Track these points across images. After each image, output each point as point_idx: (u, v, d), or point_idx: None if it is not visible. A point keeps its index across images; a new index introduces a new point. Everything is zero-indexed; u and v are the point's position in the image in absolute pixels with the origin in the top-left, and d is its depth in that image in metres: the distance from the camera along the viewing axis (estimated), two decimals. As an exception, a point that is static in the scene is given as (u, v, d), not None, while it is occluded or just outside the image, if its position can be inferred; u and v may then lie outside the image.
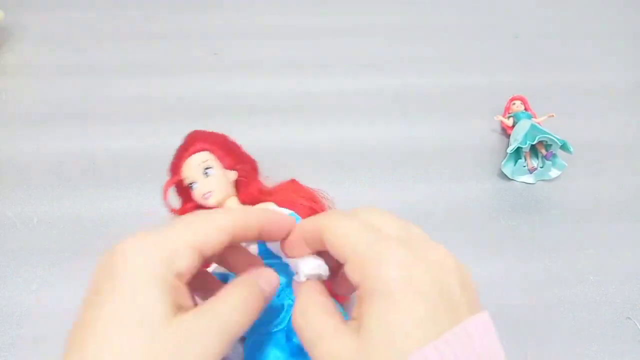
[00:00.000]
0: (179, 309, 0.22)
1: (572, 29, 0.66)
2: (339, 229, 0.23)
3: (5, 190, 0.46)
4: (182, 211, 0.38)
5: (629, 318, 0.39)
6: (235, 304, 0.23)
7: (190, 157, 0.37)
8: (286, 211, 0.36)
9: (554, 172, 0.48)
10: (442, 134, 0.52)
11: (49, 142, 0.50)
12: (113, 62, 0.58)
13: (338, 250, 0.23)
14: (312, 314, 0.24)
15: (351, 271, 0.22)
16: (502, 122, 0.52)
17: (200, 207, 0.38)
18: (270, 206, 0.37)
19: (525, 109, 0.51)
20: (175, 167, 0.38)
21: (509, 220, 0.45)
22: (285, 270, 0.31)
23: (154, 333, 0.20)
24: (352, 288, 0.23)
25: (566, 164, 0.48)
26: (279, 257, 0.30)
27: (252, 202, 0.38)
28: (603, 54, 0.62)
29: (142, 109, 0.53)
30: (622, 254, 0.43)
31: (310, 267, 0.27)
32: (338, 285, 0.27)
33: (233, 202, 0.37)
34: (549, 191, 0.48)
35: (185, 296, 0.22)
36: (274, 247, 0.31)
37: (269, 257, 0.31)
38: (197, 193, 0.36)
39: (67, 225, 0.43)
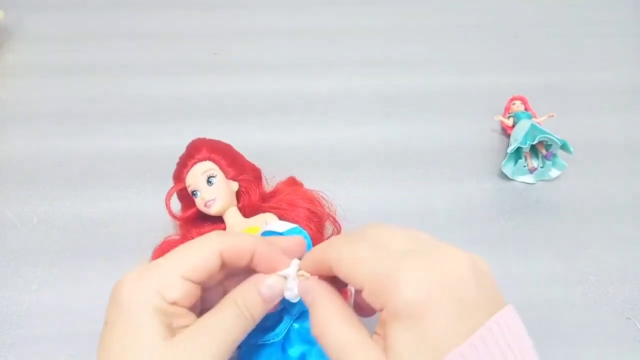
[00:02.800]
0: (179, 329, 0.24)
1: (572, 29, 0.66)
2: (349, 260, 0.24)
3: (5, 190, 0.46)
4: (184, 218, 0.38)
5: (629, 318, 0.39)
6: (231, 315, 0.25)
7: (194, 165, 0.37)
8: (287, 225, 0.36)
9: (554, 172, 0.48)
10: (442, 134, 0.52)
11: (49, 142, 0.50)
12: (113, 62, 0.58)
13: (353, 280, 0.23)
14: (338, 324, 0.24)
15: (370, 297, 0.22)
16: (502, 122, 0.52)
17: (201, 214, 0.38)
18: (271, 218, 0.37)
19: (525, 109, 0.51)
20: (179, 175, 0.38)
21: (509, 220, 0.45)
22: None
23: (151, 356, 0.23)
24: (372, 311, 0.24)
25: (566, 164, 0.48)
26: None
27: (253, 209, 0.39)
28: (603, 54, 0.62)
29: (142, 109, 0.53)
30: (622, 254, 0.43)
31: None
32: (358, 308, 0.27)
33: (233, 211, 0.38)
34: (549, 191, 0.48)
35: (187, 319, 0.25)
36: None
37: None
38: (199, 201, 0.37)
39: (67, 225, 0.43)
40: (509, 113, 0.52)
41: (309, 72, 0.58)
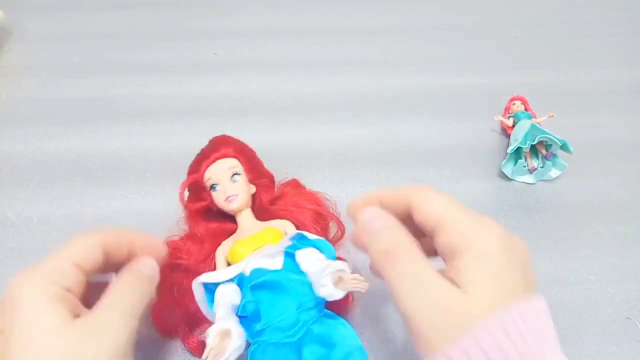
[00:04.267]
0: (77, 317, 0.25)
1: (572, 29, 0.66)
2: (434, 200, 0.27)
3: (5, 190, 0.46)
4: (196, 208, 0.38)
5: (629, 318, 0.39)
6: (126, 290, 0.27)
7: (220, 160, 0.38)
8: (314, 235, 0.35)
9: (554, 172, 0.48)
10: (442, 134, 0.52)
11: (49, 142, 0.50)
12: (112, 63, 0.58)
13: (433, 217, 0.26)
14: (406, 254, 0.25)
15: (450, 235, 0.25)
16: (502, 122, 0.52)
17: (209, 211, 0.38)
18: (289, 226, 0.37)
19: (525, 109, 0.51)
20: (198, 166, 0.38)
21: (509, 220, 0.45)
22: (306, 285, 0.33)
23: (58, 336, 0.23)
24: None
25: (566, 164, 0.48)
26: (302, 274, 0.33)
27: (264, 213, 0.39)
28: (603, 54, 0.62)
29: (142, 109, 0.53)
30: (622, 254, 0.43)
31: (330, 266, 0.30)
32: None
33: (248, 213, 0.38)
34: (549, 191, 0.48)
35: (80, 306, 0.26)
36: (302, 263, 0.33)
37: (295, 272, 0.33)
38: (220, 195, 0.37)
39: (67, 225, 0.43)
40: (509, 113, 0.52)
41: (309, 73, 0.58)
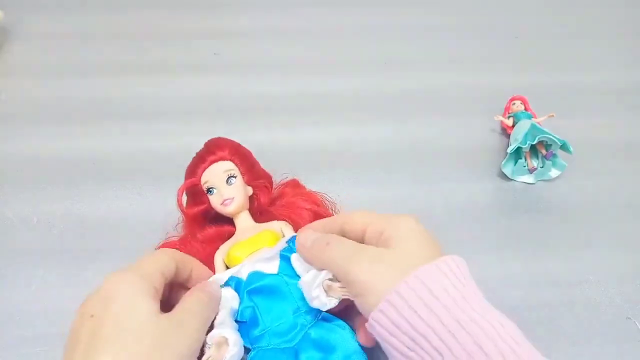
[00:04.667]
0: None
1: (572, 29, 0.66)
2: (358, 212, 0.33)
3: (5, 190, 0.46)
4: (193, 213, 0.38)
5: (629, 318, 0.39)
6: (202, 303, 0.30)
7: (215, 163, 0.37)
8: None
9: (554, 172, 0.48)
10: (442, 134, 0.52)
11: (49, 142, 0.50)
12: (113, 63, 0.58)
13: (361, 220, 0.32)
14: (339, 238, 0.31)
15: (377, 225, 0.31)
16: (502, 122, 0.52)
17: (207, 215, 0.38)
18: (287, 228, 0.37)
19: (525, 109, 0.51)
20: (194, 170, 0.38)
21: (509, 220, 0.45)
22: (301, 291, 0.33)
23: (149, 324, 0.26)
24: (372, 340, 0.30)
25: (566, 164, 0.48)
26: (296, 277, 0.33)
27: (262, 214, 0.39)
28: (603, 54, 0.62)
29: (142, 109, 0.53)
30: (622, 254, 0.43)
31: (318, 277, 0.31)
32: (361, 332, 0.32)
33: (246, 215, 0.38)
34: (549, 191, 0.48)
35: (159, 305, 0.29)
36: (298, 266, 0.33)
37: (291, 276, 0.33)
38: (216, 198, 0.37)
39: (67, 225, 0.43)
40: (509, 113, 0.52)
41: (309, 73, 0.58)
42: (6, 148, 0.49)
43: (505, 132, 0.52)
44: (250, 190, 0.38)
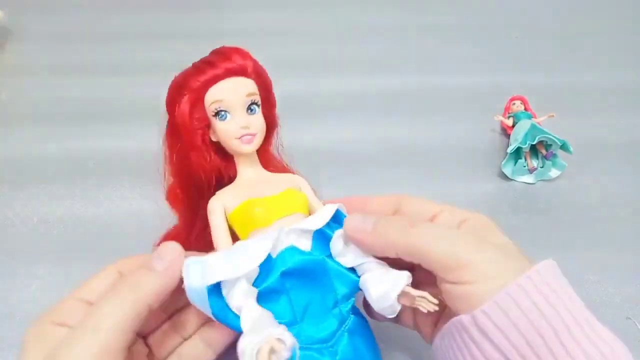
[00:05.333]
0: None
1: (573, 29, 0.66)
2: (416, 198, 0.30)
3: (5, 190, 0.46)
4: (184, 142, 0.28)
5: (629, 318, 0.39)
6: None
7: (237, 78, 0.28)
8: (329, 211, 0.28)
9: (554, 172, 0.48)
10: (442, 134, 0.52)
11: (49, 142, 0.50)
12: (113, 63, 0.58)
13: (426, 207, 0.30)
14: (419, 220, 0.27)
15: (452, 214, 0.29)
16: (502, 122, 0.52)
17: (205, 139, 0.28)
18: (305, 184, 0.30)
19: (525, 109, 0.51)
20: (197, 77, 0.28)
21: (509, 220, 0.45)
22: (343, 276, 0.27)
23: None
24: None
25: (566, 164, 0.48)
26: (336, 262, 0.27)
27: (266, 162, 0.31)
28: (603, 54, 0.62)
29: (143, 109, 0.53)
30: (622, 254, 0.43)
31: (400, 280, 0.26)
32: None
33: (255, 160, 0.29)
34: (549, 191, 0.48)
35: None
36: (338, 247, 0.27)
37: (330, 257, 0.27)
38: (231, 128, 0.27)
39: (67, 225, 0.43)
40: (509, 113, 0.52)
41: (308, 72, 0.58)
42: (6, 148, 0.49)
43: (505, 132, 0.52)
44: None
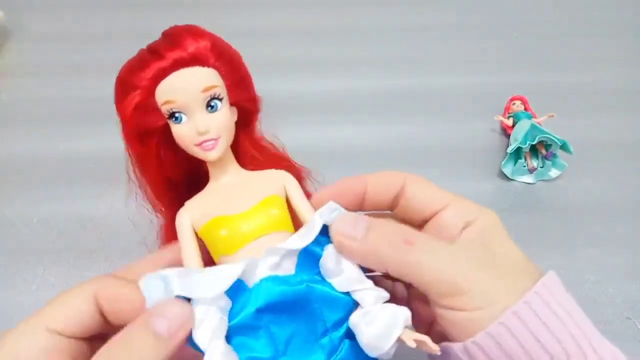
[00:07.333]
0: None
1: (572, 29, 0.66)
2: (418, 184, 0.27)
3: (5, 190, 0.46)
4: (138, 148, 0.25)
5: (629, 318, 0.39)
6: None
7: (189, 68, 0.23)
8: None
9: (554, 172, 0.48)
10: (442, 134, 0.52)
11: (49, 142, 0.50)
12: (113, 62, 0.58)
13: (425, 198, 0.26)
14: (418, 236, 0.24)
15: (460, 210, 0.27)
16: (502, 122, 0.52)
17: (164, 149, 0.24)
18: (290, 181, 0.25)
19: (525, 109, 0.51)
20: (142, 72, 0.23)
21: (509, 220, 0.45)
22: (335, 301, 0.23)
23: None
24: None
25: (566, 164, 0.48)
26: (326, 282, 0.23)
27: (242, 156, 0.27)
28: (603, 54, 0.62)
29: (142, 109, 0.53)
30: (622, 254, 0.43)
31: (397, 322, 0.22)
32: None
33: (229, 159, 0.25)
34: (549, 191, 0.48)
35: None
36: (330, 265, 0.23)
37: (318, 278, 0.23)
38: (187, 132, 0.23)
39: (67, 225, 0.43)
40: (509, 113, 0.52)
41: (307, 72, 0.58)
42: (6, 148, 0.49)
43: (505, 132, 0.52)
44: (235, 116, 0.25)
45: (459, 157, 0.50)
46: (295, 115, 0.54)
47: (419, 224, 0.27)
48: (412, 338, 0.21)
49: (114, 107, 0.50)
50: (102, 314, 0.22)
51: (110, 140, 0.50)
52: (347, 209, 0.25)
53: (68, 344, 0.21)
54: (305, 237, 0.22)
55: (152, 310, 0.21)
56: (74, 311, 0.21)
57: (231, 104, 0.25)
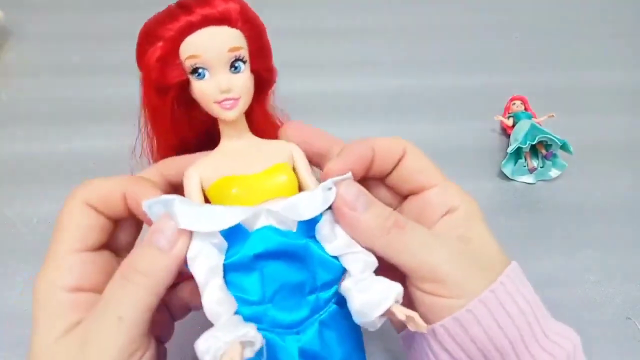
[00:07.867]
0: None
1: (572, 28, 0.66)
2: (412, 156, 0.31)
3: (5, 190, 0.46)
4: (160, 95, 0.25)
5: (629, 318, 0.39)
6: (128, 290, 0.23)
7: (217, 27, 0.23)
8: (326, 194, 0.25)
9: (554, 172, 0.48)
10: (442, 134, 0.52)
11: (49, 142, 0.50)
12: (113, 62, 0.58)
13: (417, 173, 0.29)
14: (407, 222, 0.26)
15: (444, 196, 0.29)
16: (502, 122, 0.52)
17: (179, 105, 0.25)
18: (298, 153, 0.27)
19: (525, 109, 0.51)
20: (171, 23, 0.23)
21: (509, 220, 0.45)
22: (326, 264, 0.24)
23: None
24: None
25: (566, 164, 0.48)
26: (321, 247, 0.24)
27: (255, 124, 0.27)
28: (603, 54, 0.62)
29: (142, 109, 0.53)
30: (622, 254, 0.43)
31: (389, 294, 0.23)
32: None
33: (242, 124, 0.26)
34: (549, 191, 0.48)
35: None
36: (326, 230, 0.24)
37: (315, 242, 0.24)
38: (209, 89, 0.23)
39: (67, 225, 0.43)
40: (509, 113, 0.52)
41: (307, 72, 0.58)
42: (6, 148, 0.49)
43: (505, 132, 0.52)
44: (252, 81, 0.25)
45: (459, 157, 0.50)
46: (295, 115, 0.53)
47: (405, 195, 0.29)
48: (403, 312, 0.22)
49: (114, 107, 0.50)
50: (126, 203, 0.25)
51: (110, 140, 0.50)
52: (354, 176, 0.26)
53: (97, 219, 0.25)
54: (312, 209, 0.24)
55: (152, 227, 0.23)
56: (106, 191, 0.25)
57: (251, 71, 0.25)
